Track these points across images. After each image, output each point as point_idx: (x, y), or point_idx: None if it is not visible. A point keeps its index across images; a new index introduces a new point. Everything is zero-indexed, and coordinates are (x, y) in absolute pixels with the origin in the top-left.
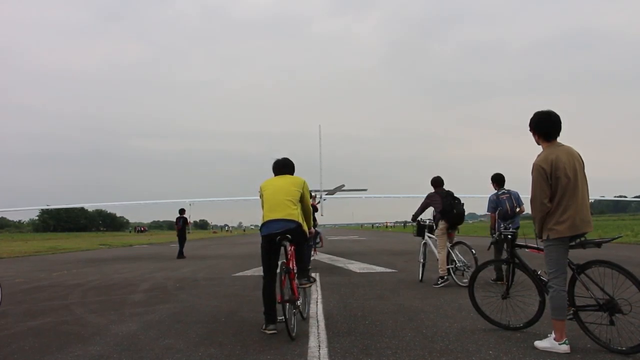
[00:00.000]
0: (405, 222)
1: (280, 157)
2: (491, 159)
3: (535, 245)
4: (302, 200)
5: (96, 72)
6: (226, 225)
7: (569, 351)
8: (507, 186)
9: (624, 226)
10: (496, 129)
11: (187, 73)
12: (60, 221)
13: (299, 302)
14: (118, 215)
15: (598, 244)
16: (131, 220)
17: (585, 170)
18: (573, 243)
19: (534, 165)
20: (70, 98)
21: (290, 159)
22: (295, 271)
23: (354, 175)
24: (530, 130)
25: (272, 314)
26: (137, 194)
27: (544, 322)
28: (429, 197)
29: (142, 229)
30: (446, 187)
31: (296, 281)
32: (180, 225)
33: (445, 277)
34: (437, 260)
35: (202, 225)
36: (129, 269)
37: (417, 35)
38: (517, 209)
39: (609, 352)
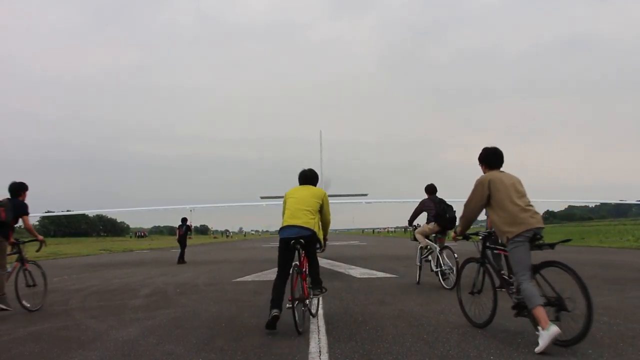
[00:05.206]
0: (405, 227)
1: (306, 167)
2: None
3: (503, 247)
4: (321, 210)
5: (94, 77)
6: (227, 230)
7: (559, 330)
8: None
9: (625, 231)
10: (496, 133)
11: (187, 78)
12: (60, 226)
13: (307, 300)
14: (119, 220)
15: (552, 246)
16: (132, 226)
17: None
18: (535, 243)
19: (478, 179)
20: (68, 103)
21: (293, 162)
22: (306, 273)
23: (354, 181)
24: (479, 163)
25: (278, 301)
26: (137, 200)
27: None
28: (422, 203)
29: (143, 234)
30: (446, 191)
31: (307, 282)
32: (183, 231)
33: (429, 247)
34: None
35: (203, 230)
36: (130, 274)
37: (416, 40)
38: None
39: (553, 345)
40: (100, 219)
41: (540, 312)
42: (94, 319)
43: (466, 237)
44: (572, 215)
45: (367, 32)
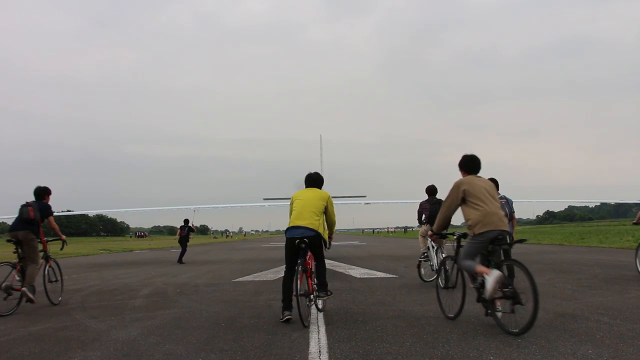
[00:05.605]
0: (405, 228)
1: (312, 171)
2: (491, 164)
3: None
4: (326, 212)
5: (94, 78)
6: (227, 230)
7: (501, 273)
8: (505, 192)
9: (625, 231)
10: (495, 134)
11: (187, 79)
12: (60, 226)
13: (312, 295)
14: (119, 220)
15: (510, 245)
16: (132, 226)
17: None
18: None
19: (455, 182)
20: (69, 104)
21: (293, 163)
22: (312, 270)
23: (353, 182)
24: (459, 168)
25: (288, 302)
26: (137, 200)
27: (536, 331)
28: (420, 205)
29: (143, 234)
30: (447, 192)
31: (314, 283)
32: (185, 232)
33: (425, 253)
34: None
35: (203, 230)
36: (130, 274)
37: (415, 41)
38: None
39: (507, 334)
40: (100, 219)
41: (481, 268)
42: (94, 319)
43: (443, 236)
44: (572, 215)
45: (367, 33)
